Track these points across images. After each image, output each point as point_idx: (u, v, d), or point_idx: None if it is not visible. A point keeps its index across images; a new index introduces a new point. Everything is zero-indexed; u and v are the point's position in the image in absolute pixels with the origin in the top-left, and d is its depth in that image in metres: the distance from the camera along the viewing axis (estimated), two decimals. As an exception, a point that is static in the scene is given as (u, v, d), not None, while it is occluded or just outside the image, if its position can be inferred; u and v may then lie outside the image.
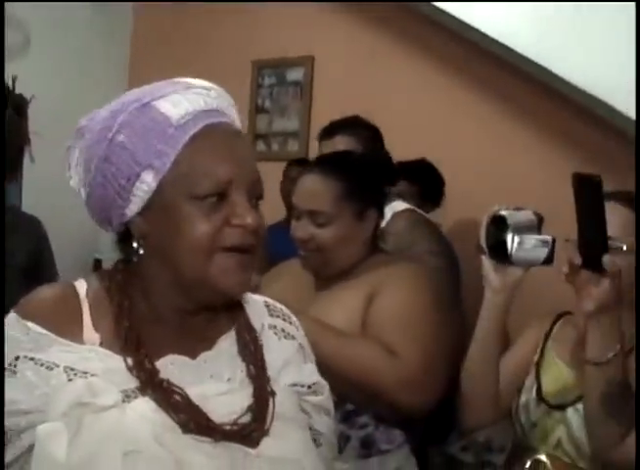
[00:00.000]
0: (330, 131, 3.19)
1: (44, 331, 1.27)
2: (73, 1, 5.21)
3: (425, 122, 4.33)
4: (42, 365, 1.25)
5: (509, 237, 1.84)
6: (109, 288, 1.35)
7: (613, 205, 1.93)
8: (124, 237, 1.33)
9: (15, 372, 1.25)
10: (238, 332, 1.38)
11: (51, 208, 3.79)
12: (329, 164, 2.34)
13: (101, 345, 1.29)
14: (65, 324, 1.29)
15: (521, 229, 1.85)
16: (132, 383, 1.26)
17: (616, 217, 1.90)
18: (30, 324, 1.28)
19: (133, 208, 1.28)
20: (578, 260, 1.76)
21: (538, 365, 2.06)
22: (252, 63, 5.14)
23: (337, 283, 2.25)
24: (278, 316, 1.47)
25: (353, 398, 2.13)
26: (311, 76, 4.95)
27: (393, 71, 4.57)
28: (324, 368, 2.08)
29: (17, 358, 1.26)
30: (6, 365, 1.26)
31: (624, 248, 1.90)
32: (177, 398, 1.25)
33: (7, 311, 1.33)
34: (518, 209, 1.90)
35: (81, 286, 1.36)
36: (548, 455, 1.96)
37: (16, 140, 3.94)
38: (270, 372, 1.37)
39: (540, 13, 3.37)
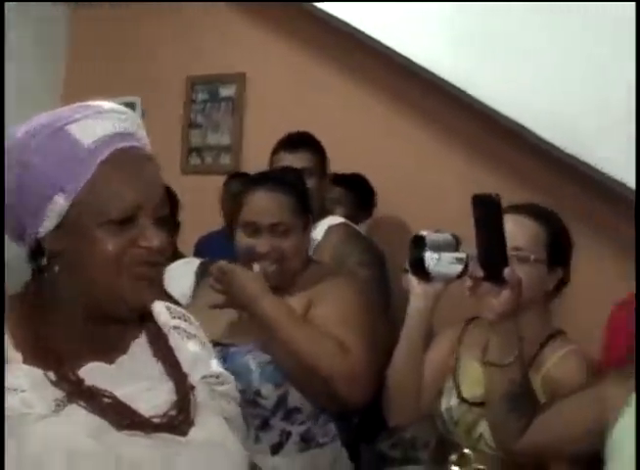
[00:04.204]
0: (293, 145, 3.29)
1: None
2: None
3: (351, 140, 4.50)
4: None
5: (427, 255, 2.05)
6: (22, 309, 1.40)
7: (521, 218, 2.13)
8: (36, 253, 1.39)
9: None
10: (148, 336, 1.48)
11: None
12: (280, 179, 2.48)
13: (24, 362, 1.34)
14: None
15: (438, 248, 2.05)
16: (59, 393, 1.33)
17: (523, 229, 2.12)
18: None
19: (46, 226, 1.33)
20: (480, 274, 1.89)
21: (455, 368, 2.25)
22: (186, 79, 5.27)
23: (277, 293, 2.39)
24: (179, 318, 1.58)
25: (297, 382, 2.28)
26: (243, 93, 5.11)
27: (323, 91, 4.73)
28: (281, 351, 2.25)
29: None
30: None
31: (532, 258, 2.12)
32: (106, 400, 1.34)
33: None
34: (437, 231, 2.11)
35: None
36: (471, 449, 2.15)
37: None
38: (185, 369, 1.48)
39: (459, 36, 3.60)
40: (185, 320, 1.59)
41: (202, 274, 3.12)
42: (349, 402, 2.27)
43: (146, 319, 1.49)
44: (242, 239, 2.43)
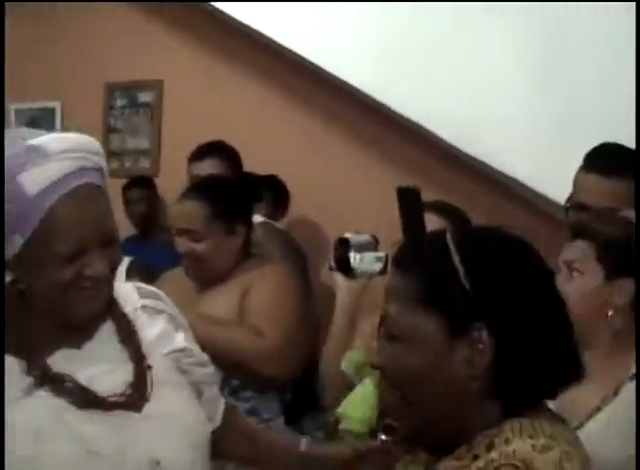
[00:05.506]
0: (200, 155, 3.54)
1: None
2: None
3: (266, 145, 4.69)
4: None
5: (352, 255, 2.30)
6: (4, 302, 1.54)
7: (428, 215, 2.36)
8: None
9: None
10: (115, 321, 1.61)
11: None
12: (199, 189, 2.79)
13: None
14: None
15: (361, 248, 2.31)
16: (27, 380, 1.48)
17: (430, 225, 2.32)
18: None
19: (8, 254, 1.46)
20: None
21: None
22: (105, 85, 5.40)
23: (215, 286, 2.71)
24: (149, 297, 1.71)
25: (227, 369, 2.50)
26: (160, 99, 5.29)
27: (239, 97, 4.93)
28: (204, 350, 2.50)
29: None
30: None
31: None
32: (68, 384, 1.50)
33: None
34: (358, 232, 2.36)
35: None
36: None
37: None
38: (145, 348, 1.61)
39: (377, 50, 3.84)
40: (155, 298, 1.72)
41: (130, 272, 3.39)
42: (271, 378, 2.60)
43: (112, 305, 1.63)
44: (175, 239, 2.75)
